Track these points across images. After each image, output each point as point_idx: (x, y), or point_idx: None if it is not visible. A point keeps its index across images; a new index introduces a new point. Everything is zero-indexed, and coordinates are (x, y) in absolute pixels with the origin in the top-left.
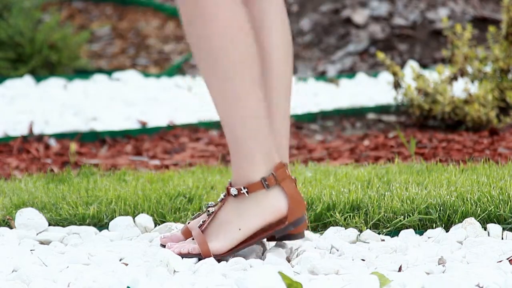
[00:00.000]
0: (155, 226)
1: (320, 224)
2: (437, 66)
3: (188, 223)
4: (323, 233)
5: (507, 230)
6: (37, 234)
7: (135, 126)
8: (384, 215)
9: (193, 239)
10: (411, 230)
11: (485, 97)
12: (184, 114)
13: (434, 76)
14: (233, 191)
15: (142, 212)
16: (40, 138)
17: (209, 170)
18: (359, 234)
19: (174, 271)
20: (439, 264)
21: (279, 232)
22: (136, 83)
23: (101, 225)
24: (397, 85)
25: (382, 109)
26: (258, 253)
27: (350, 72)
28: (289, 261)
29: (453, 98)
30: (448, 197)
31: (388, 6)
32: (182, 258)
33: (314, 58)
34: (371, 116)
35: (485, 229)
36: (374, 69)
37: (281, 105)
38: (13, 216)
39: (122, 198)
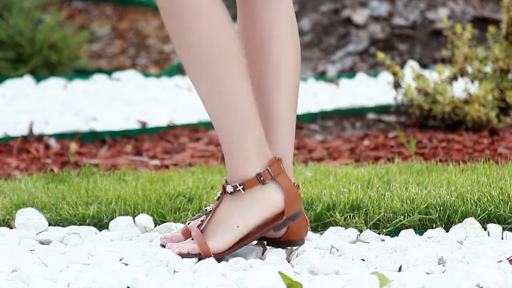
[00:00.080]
0: (155, 226)
1: (320, 224)
2: (437, 66)
3: (188, 223)
4: (323, 233)
5: (507, 230)
6: (37, 234)
7: (135, 126)
8: (384, 215)
9: (192, 239)
10: (411, 230)
11: (485, 97)
12: (184, 114)
13: (434, 76)
14: (229, 188)
15: (142, 212)
16: (40, 138)
17: (209, 170)
18: (359, 234)
19: (174, 271)
20: (439, 264)
21: (278, 227)
22: (136, 83)
23: (101, 225)
24: (397, 85)
25: (382, 109)
26: (258, 253)
27: (350, 72)
28: (289, 261)
29: (453, 98)
30: (448, 197)
31: (388, 6)
32: (182, 258)
33: (314, 58)
34: (371, 116)
35: (485, 229)
36: (374, 69)
37: (287, 114)
38: (13, 216)
39: (122, 198)
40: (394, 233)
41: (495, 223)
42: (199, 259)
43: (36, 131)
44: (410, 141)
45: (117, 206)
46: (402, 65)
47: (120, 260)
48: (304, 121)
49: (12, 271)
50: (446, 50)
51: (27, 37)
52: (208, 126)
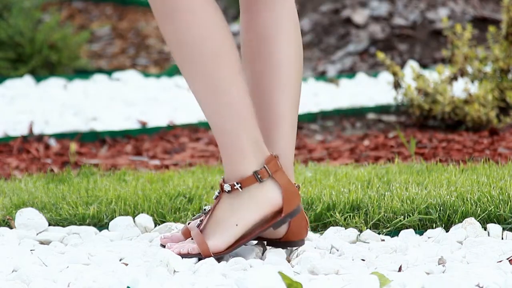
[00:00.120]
0: (155, 226)
1: (320, 224)
2: (437, 66)
3: (188, 223)
4: (323, 233)
5: (507, 230)
6: (37, 234)
7: (135, 126)
8: (384, 215)
9: (192, 239)
10: (411, 230)
11: (485, 97)
12: (184, 114)
13: (434, 76)
14: (227, 187)
15: (142, 212)
16: (40, 138)
17: (209, 170)
18: (359, 234)
19: (174, 271)
20: (439, 264)
21: (277, 225)
22: (136, 83)
23: (101, 225)
24: (397, 85)
25: (382, 109)
26: (258, 253)
27: (350, 72)
28: (289, 261)
29: (453, 98)
30: (448, 197)
31: (388, 6)
32: (182, 258)
33: (314, 58)
34: (371, 116)
35: (485, 229)
36: (374, 69)
37: (288, 113)
38: (13, 216)
39: (122, 198)
40: (394, 233)
41: (495, 223)
42: (199, 259)
43: (36, 131)
44: (410, 141)
45: (117, 206)
46: (402, 65)
47: (120, 260)
48: (304, 121)
49: (12, 271)
50: (446, 50)
51: (27, 37)
52: (208, 126)
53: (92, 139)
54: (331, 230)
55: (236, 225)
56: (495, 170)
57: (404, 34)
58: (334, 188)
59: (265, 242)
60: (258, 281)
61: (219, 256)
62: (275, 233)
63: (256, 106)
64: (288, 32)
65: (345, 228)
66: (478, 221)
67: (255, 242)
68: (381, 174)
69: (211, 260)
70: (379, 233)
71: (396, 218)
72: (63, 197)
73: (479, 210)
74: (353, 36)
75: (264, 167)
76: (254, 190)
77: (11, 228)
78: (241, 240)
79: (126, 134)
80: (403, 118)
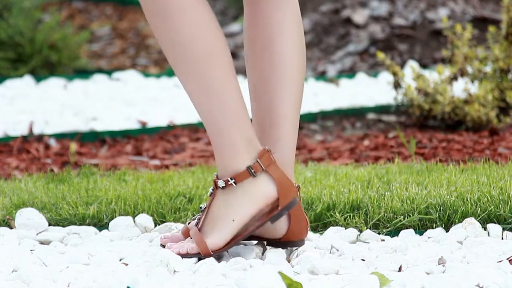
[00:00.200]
0: (155, 226)
1: (320, 224)
2: (437, 66)
3: (188, 223)
4: (323, 233)
5: (507, 230)
6: (37, 234)
7: (135, 126)
8: (384, 215)
9: (191, 238)
10: (411, 230)
11: (485, 97)
12: (184, 114)
13: (434, 76)
14: (221, 183)
15: (142, 212)
16: (40, 138)
17: (209, 170)
18: (359, 234)
19: (174, 271)
20: (439, 264)
21: (274, 218)
22: (136, 83)
23: (101, 225)
24: (397, 85)
25: (382, 109)
26: (258, 253)
27: (350, 72)
28: (289, 261)
29: (453, 98)
30: (448, 197)
31: (388, 6)
32: (182, 258)
33: (314, 58)
34: (371, 116)
35: (485, 229)
36: (374, 69)
37: (290, 114)
38: (13, 216)
39: (122, 198)
40: (394, 233)
41: (495, 223)
42: (199, 259)
43: (36, 131)
44: (410, 141)
45: (117, 206)
46: (402, 65)
47: (120, 260)
48: (304, 121)
49: (12, 271)
50: (446, 50)
51: (27, 37)
52: None
53: (92, 139)
54: (331, 230)
55: (233, 220)
56: (495, 170)
57: (404, 34)
58: (334, 188)
59: (265, 242)
60: (258, 281)
61: (219, 253)
62: (275, 233)
63: (257, 105)
64: (291, 32)
65: (345, 228)
66: (478, 221)
67: (255, 242)
68: (381, 174)
69: (211, 260)
70: (379, 233)
71: (396, 218)
72: (63, 197)
73: (479, 210)
74: (353, 36)
75: (257, 161)
76: (248, 184)
77: (11, 228)
78: (239, 236)
79: (126, 134)
80: (403, 118)
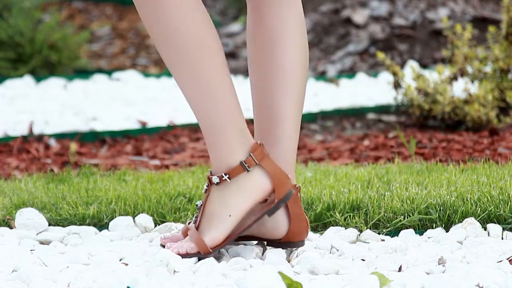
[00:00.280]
0: (155, 226)
1: (320, 224)
2: (437, 66)
3: (189, 223)
4: (323, 233)
5: (507, 230)
6: (37, 234)
7: (135, 126)
8: (384, 215)
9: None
10: (411, 230)
11: (485, 97)
12: (184, 114)
13: (434, 76)
14: (215, 179)
15: (142, 212)
16: (40, 138)
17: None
18: (359, 234)
19: (174, 271)
20: (439, 264)
21: (271, 211)
22: (136, 83)
23: (101, 225)
24: (397, 85)
25: (382, 109)
26: (258, 253)
27: (350, 72)
28: (289, 261)
29: (453, 98)
30: (448, 197)
31: (388, 6)
32: (182, 258)
33: (314, 58)
34: (371, 116)
35: (485, 229)
36: (374, 69)
37: (292, 115)
38: (13, 216)
39: (122, 198)
40: (394, 233)
41: (495, 223)
42: (199, 258)
43: (36, 131)
44: (410, 141)
45: (117, 206)
46: (402, 65)
47: (120, 260)
48: (304, 121)
49: (12, 271)
50: (446, 50)
51: (27, 37)
52: None
53: (92, 139)
54: (331, 230)
55: (229, 216)
56: (495, 170)
57: (404, 34)
58: (334, 188)
59: (265, 243)
60: (258, 281)
61: (218, 250)
62: (276, 234)
63: (259, 106)
64: (294, 35)
65: (345, 228)
66: (478, 221)
67: (255, 242)
68: (381, 174)
69: (211, 260)
70: (379, 233)
71: (396, 218)
72: (63, 197)
73: (479, 210)
74: (353, 36)
75: (250, 155)
76: (243, 179)
77: (11, 228)
78: (237, 231)
79: (126, 134)
80: (403, 118)
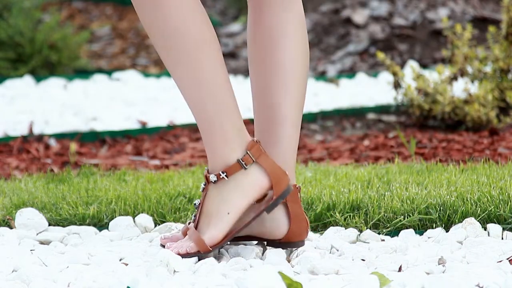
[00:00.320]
0: (155, 226)
1: (320, 224)
2: (437, 66)
3: (189, 223)
4: (323, 233)
5: (507, 230)
6: (37, 234)
7: (135, 126)
8: (384, 215)
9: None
10: (411, 230)
11: (485, 97)
12: (184, 114)
13: (434, 76)
14: (212, 177)
15: (142, 212)
16: (40, 138)
17: None
18: (359, 234)
19: (174, 271)
20: (439, 264)
21: (270, 208)
22: (136, 83)
23: (101, 225)
24: (397, 85)
25: (382, 109)
26: (258, 253)
27: (350, 72)
28: (289, 261)
29: (453, 98)
30: (448, 197)
31: (388, 6)
32: (182, 258)
33: (314, 58)
34: (371, 116)
35: (485, 229)
36: (374, 69)
37: (292, 116)
38: (13, 216)
39: (122, 198)
40: (394, 233)
41: (495, 223)
42: (199, 258)
43: (36, 131)
44: (410, 141)
45: (117, 206)
46: (402, 65)
47: (120, 260)
48: (304, 121)
49: (12, 271)
50: (446, 50)
51: (27, 37)
52: None
53: (92, 139)
54: (331, 230)
55: (228, 213)
56: (495, 170)
57: (404, 34)
58: (334, 188)
59: (265, 243)
60: (258, 281)
61: (218, 247)
62: (276, 234)
63: (259, 105)
64: (294, 34)
65: (345, 228)
66: (478, 221)
67: (255, 242)
68: (381, 174)
69: (211, 260)
70: (379, 233)
71: (396, 218)
72: (63, 197)
73: (479, 210)
74: (353, 36)
75: (247, 153)
76: (240, 177)
77: (11, 228)
78: (236, 228)
79: (126, 134)
80: (403, 118)
